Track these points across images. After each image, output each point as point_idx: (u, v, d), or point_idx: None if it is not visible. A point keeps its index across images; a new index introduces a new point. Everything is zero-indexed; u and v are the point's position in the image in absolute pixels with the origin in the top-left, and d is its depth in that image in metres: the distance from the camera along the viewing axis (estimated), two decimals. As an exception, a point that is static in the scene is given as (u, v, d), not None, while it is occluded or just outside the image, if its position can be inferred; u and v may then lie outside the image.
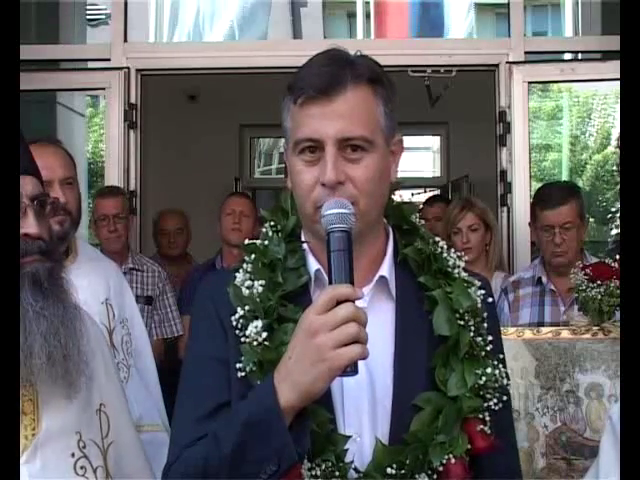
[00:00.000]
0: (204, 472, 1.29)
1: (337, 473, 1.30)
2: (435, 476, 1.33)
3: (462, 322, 1.39)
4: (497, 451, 1.38)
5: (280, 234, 1.47)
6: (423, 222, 1.52)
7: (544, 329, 2.64)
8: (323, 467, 1.30)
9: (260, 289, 1.39)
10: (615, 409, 1.69)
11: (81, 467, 1.49)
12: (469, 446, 1.34)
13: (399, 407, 1.36)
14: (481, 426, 1.36)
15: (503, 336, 2.64)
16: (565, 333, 2.61)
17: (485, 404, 1.37)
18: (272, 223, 1.50)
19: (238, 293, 1.40)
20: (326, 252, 1.29)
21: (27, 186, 1.46)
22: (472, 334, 1.39)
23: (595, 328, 2.59)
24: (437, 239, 1.48)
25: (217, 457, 1.28)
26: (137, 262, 4.03)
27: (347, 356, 1.21)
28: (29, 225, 1.43)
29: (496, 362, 1.41)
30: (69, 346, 1.45)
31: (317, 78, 1.35)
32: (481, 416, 1.36)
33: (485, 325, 1.42)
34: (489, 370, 1.37)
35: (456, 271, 1.45)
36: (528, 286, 3.30)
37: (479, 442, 1.35)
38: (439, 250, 1.46)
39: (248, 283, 1.40)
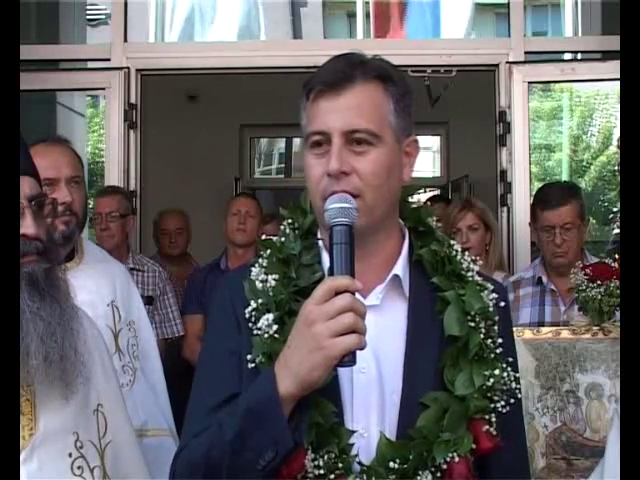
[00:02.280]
0: (207, 460, 1.32)
1: (340, 465, 1.32)
2: (439, 474, 1.34)
3: (473, 324, 1.40)
4: (504, 453, 1.39)
5: (297, 232, 1.50)
6: (440, 225, 1.54)
7: (544, 329, 2.64)
8: (326, 458, 1.31)
9: (273, 283, 1.41)
10: None
11: (78, 467, 1.49)
12: (474, 446, 1.35)
13: (407, 405, 1.37)
14: (487, 427, 1.36)
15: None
16: (565, 333, 2.60)
17: (492, 405, 1.38)
18: (290, 221, 1.51)
19: (252, 287, 1.43)
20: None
21: (25, 187, 1.46)
22: (482, 336, 1.40)
23: (595, 328, 2.59)
24: (452, 242, 1.50)
25: (220, 444, 1.30)
26: (138, 262, 4.03)
27: (343, 345, 1.22)
28: (27, 226, 1.43)
29: (505, 365, 1.41)
30: (66, 347, 1.45)
31: (327, 74, 1.39)
32: (487, 417, 1.37)
33: (496, 328, 1.43)
34: (497, 372, 1.38)
35: (469, 274, 1.46)
36: (528, 286, 3.30)
37: (484, 443, 1.36)
38: (454, 253, 1.48)
39: (262, 277, 1.43)
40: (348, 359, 1.24)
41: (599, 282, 2.62)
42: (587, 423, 2.54)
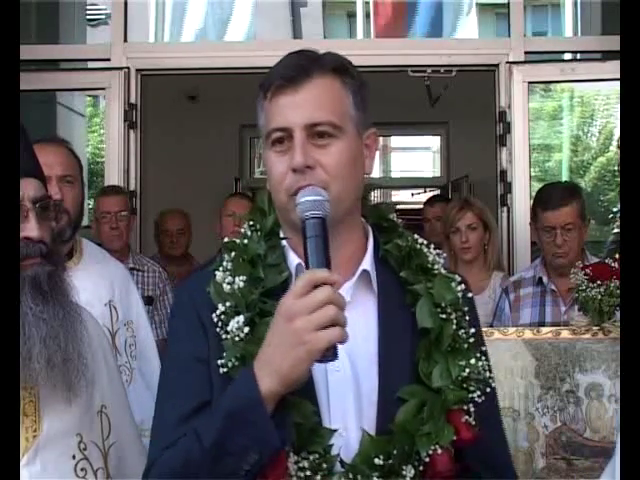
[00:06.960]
0: (186, 469, 1.27)
1: (324, 465, 1.30)
2: (421, 467, 1.33)
3: (444, 315, 1.41)
4: (485, 442, 1.38)
5: (259, 233, 1.48)
6: (401, 221, 1.55)
7: (544, 329, 2.64)
8: (311, 459, 1.29)
9: (242, 284, 1.38)
10: None
11: (82, 469, 1.49)
12: (454, 437, 1.34)
13: (385, 400, 1.36)
14: (466, 417, 1.36)
15: (503, 336, 2.65)
16: (565, 333, 2.60)
17: (469, 396, 1.38)
18: (251, 223, 1.50)
19: (219, 290, 1.39)
20: (302, 239, 1.30)
21: (29, 189, 1.46)
22: (454, 327, 1.41)
23: (595, 328, 2.59)
24: (416, 236, 1.51)
25: (198, 452, 1.25)
26: (138, 262, 4.03)
27: (326, 338, 1.20)
28: (30, 228, 1.42)
29: (479, 354, 1.42)
30: (69, 350, 1.44)
31: (284, 70, 1.41)
32: (465, 407, 1.36)
33: (467, 318, 1.44)
34: (473, 362, 1.38)
35: (436, 267, 1.47)
36: (529, 286, 3.30)
37: (464, 433, 1.35)
38: (419, 247, 1.49)
39: (229, 279, 1.39)
40: (330, 353, 1.22)
41: (599, 282, 2.62)
42: (587, 423, 2.54)
